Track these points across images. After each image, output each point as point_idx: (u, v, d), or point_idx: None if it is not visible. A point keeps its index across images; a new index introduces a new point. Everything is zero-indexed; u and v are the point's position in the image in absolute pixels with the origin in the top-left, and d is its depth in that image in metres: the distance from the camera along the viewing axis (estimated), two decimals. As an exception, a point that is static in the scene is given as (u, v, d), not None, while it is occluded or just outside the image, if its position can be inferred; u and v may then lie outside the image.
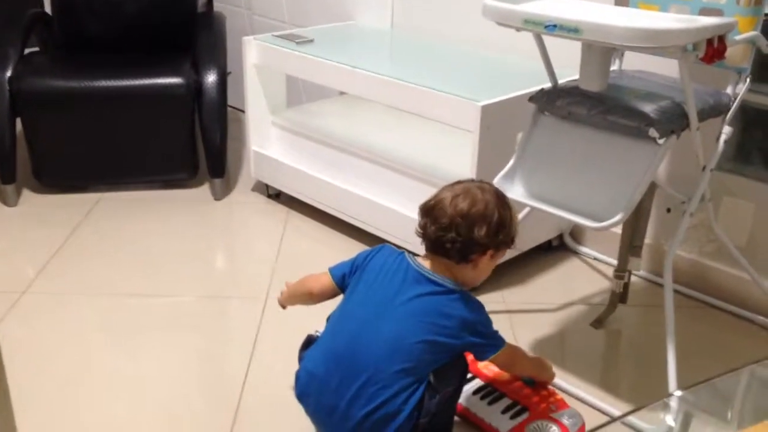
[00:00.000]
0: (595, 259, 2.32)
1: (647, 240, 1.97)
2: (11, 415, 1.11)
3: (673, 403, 1.32)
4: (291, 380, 1.52)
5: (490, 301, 2.09)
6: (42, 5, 3.92)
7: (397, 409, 1.39)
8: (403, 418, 1.39)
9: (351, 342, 1.44)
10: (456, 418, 1.61)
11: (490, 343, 1.48)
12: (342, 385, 1.41)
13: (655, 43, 1.42)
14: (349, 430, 1.41)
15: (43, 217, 2.51)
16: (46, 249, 2.29)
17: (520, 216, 1.90)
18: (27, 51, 2.73)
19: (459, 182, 1.52)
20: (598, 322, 1.98)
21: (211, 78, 2.63)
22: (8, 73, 2.52)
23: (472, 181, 1.55)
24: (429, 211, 1.49)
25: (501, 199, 1.50)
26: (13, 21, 2.80)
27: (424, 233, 1.49)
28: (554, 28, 1.48)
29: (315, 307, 1.65)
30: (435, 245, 1.47)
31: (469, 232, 1.44)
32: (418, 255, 1.53)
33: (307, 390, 1.48)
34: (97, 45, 2.86)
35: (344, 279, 1.56)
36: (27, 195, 2.65)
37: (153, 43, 2.87)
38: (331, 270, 1.59)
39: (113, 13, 2.86)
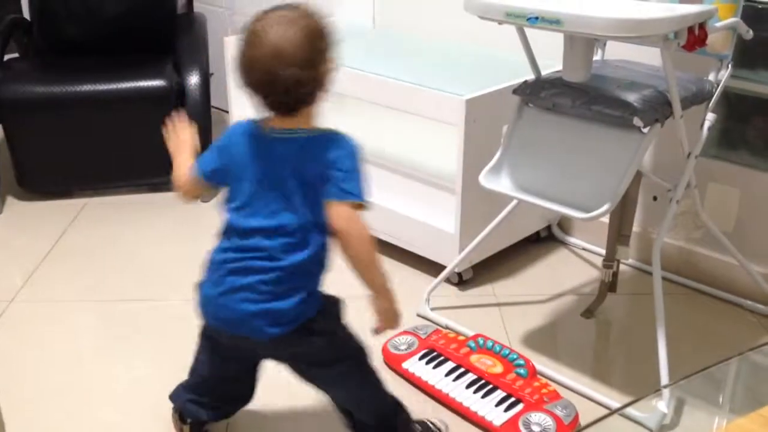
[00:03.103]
0: (584, 249, 2.32)
1: (635, 228, 1.98)
2: (2, 425, 1.10)
3: (666, 392, 1.33)
4: (285, 383, 1.50)
5: (480, 293, 2.10)
6: (20, 11, 3.88)
7: None
8: None
9: None
10: (449, 411, 1.61)
11: None
12: None
13: (637, 32, 1.42)
14: None
15: (28, 224, 2.49)
16: (33, 256, 2.27)
17: (507, 209, 1.91)
18: (7, 57, 2.71)
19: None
20: (589, 312, 1.99)
21: (193, 79, 2.62)
22: (-13, 78, 2.50)
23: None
24: None
25: None
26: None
27: None
28: (536, 20, 1.48)
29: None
30: None
31: None
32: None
33: None
34: (77, 49, 2.83)
35: None
36: (11, 202, 2.62)
37: (134, 45, 2.85)
38: None
39: (92, 16, 2.83)
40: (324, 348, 1.37)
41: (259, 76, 1.22)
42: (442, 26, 2.50)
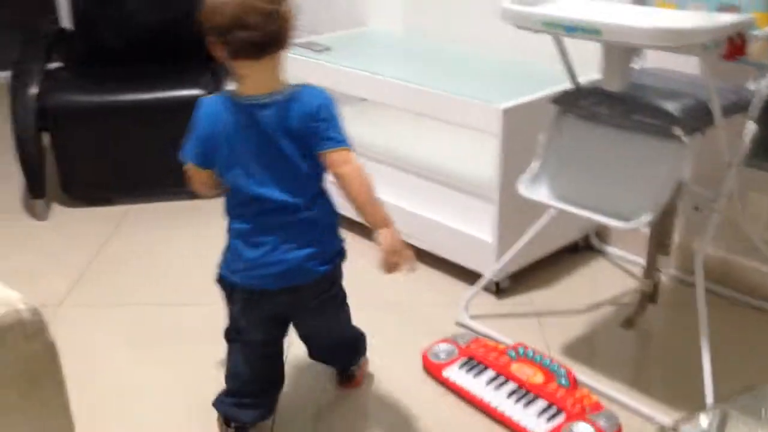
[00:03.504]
0: (623, 259, 2.30)
1: (675, 238, 1.96)
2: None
3: (710, 408, 1.32)
4: (319, 390, 1.52)
5: (518, 303, 2.09)
6: (58, 21, 3.97)
7: None
8: None
9: None
10: (491, 420, 1.61)
11: None
12: None
13: (677, 42, 1.41)
14: None
15: (73, 230, 2.55)
16: (78, 262, 2.33)
17: (545, 218, 1.90)
18: (51, 67, 2.77)
19: None
20: (629, 323, 1.97)
21: (230, 88, 2.65)
22: (34, 90, 2.56)
23: None
24: None
25: None
26: (34, 38, 2.85)
27: None
28: (574, 30, 1.48)
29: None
30: None
31: None
32: None
33: None
34: (118, 58, 2.89)
35: None
36: (56, 209, 2.69)
37: (173, 54, 2.90)
38: None
39: (132, 26, 2.89)
40: (340, 288, 1.56)
41: (231, 10, 1.29)
42: (473, 32, 2.50)
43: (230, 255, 1.49)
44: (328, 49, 2.49)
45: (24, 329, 0.98)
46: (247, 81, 1.37)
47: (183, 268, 2.31)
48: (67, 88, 2.65)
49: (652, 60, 1.90)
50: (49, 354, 1.03)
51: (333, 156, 1.39)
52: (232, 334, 1.55)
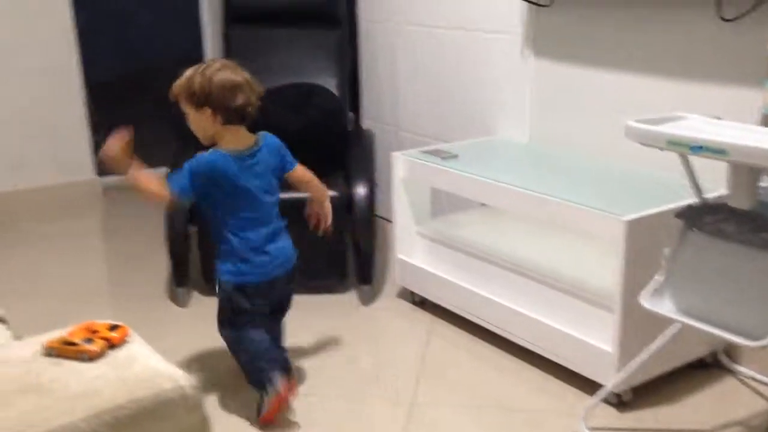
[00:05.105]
0: (753, 379, 2.20)
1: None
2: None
3: None
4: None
5: (640, 417, 2.04)
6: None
7: None
8: None
9: None
10: None
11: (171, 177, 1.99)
12: None
13: (807, 163, 1.42)
14: None
15: (209, 317, 2.72)
16: (212, 348, 2.49)
17: (669, 332, 1.88)
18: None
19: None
20: (759, 447, 1.88)
21: (361, 190, 2.81)
22: (185, 188, 2.83)
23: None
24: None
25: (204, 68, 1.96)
26: (188, 138, 3.14)
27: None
28: (699, 149, 1.52)
29: (460, 407, 1.69)
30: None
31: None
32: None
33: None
34: (260, 161, 3.13)
35: None
36: (196, 297, 2.89)
37: (309, 157, 3.11)
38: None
39: (276, 132, 3.14)
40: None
41: (247, 90, 1.96)
42: (597, 144, 2.56)
43: (242, 265, 2.03)
44: (454, 156, 2.62)
45: (186, 402, 1.10)
46: (231, 140, 1.99)
47: (302, 356, 2.41)
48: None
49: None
50: (205, 426, 1.14)
51: (299, 170, 2.20)
52: (239, 322, 2.07)
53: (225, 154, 1.97)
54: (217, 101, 1.91)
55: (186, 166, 1.97)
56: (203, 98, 1.92)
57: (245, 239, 2.03)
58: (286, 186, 2.79)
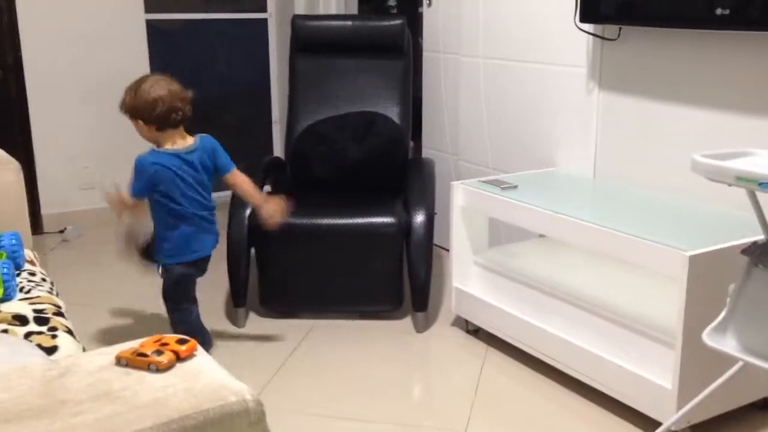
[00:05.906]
0: (820, 422, 2.13)
1: None
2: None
3: None
4: None
5: (698, 458, 2.00)
6: (272, 151, 4.46)
7: None
8: None
9: None
10: None
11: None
12: None
13: None
14: None
15: (266, 339, 2.79)
16: (266, 369, 2.54)
17: (732, 371, 1.84)
18: (263, 191, 3.12)
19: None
20: (826, 494, 1.81)
21: (419, 218, 2.84)
22: (247, 211, 2.90)
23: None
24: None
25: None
26: (253, 165, 3.24)
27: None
28: (768, 185, 1.50)
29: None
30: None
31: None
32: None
33: None
34: (321, 186, 3.20)
35: None
36: (252, 318, 2.95)
37: (370, 184, 3.16)
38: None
39: (337, 159, 3.20)
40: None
41: (168, 100, 2.29)
42: (662, 179, 2.54)
43: (192, 242, 2.39)
44: (514, 186, 2.63)
45: (249, 417, 1.14)
46: (168, 141, 2.33)
47: (357, 383, 2.44)
48: (275, 210, 2.97)
49: None
50: (267, 440, 1.17)
51: (235, 174, 2.47)
52: (183, 303, 2.47)
53: (160, 152, 2.32)
54: (144, 113, 2.29)
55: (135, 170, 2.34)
56: (134, 112, 2.30)
57: (183, 220, 2.37)
58: (349, 214, 2.86)
